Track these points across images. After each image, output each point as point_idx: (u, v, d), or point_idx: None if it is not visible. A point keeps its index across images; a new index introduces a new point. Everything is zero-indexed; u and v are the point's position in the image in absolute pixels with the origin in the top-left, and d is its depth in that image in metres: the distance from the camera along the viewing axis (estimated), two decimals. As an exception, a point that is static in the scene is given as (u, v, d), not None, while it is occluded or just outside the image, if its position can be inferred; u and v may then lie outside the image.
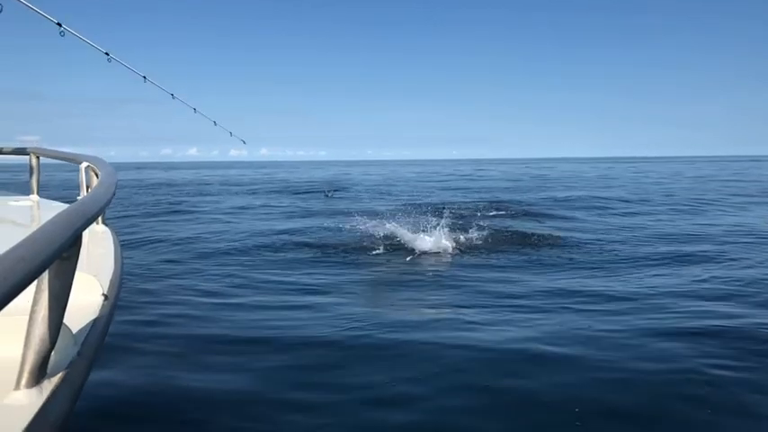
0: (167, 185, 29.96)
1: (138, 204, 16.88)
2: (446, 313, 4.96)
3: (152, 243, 9.12)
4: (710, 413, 3.04)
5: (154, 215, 14.20)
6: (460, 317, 4.80)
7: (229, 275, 6.51)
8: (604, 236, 9.54)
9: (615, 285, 5.88)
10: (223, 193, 23.23)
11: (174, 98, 5.81)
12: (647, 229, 10.59)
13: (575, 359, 3.77)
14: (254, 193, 23.01)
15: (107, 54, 4.22)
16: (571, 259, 7.42)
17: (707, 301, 5.22)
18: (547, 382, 3.41)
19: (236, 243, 9.11)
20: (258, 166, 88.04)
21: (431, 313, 4.96)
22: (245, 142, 8.87)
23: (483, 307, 5.12)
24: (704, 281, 6.05)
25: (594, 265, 7.00)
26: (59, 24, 3.49)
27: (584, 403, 3.13)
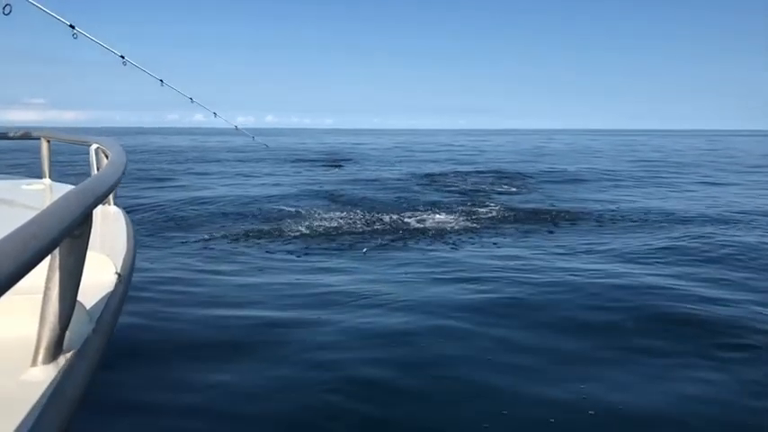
0: (170, 152, 30.09)
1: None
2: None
3: (138, 212, 9.33)
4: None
5: (142, 180, 14.44)
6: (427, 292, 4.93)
7: (205, 248, 6.76)
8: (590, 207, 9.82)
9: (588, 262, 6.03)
10: (227, 161, 23.38)
11: (192, 102, 5.92)
12: (637, 203, 10.90)
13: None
14: (259, 161, 23.13)
15: (122, 57, 4.31)
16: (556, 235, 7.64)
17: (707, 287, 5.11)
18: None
19: (224, 212, 9.51)
20: (265, 134, 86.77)
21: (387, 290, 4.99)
22: (255, 137, 9.13)
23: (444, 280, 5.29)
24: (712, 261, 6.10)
25: (578, 243, 7.12)
26: (72, 27, 3.58)
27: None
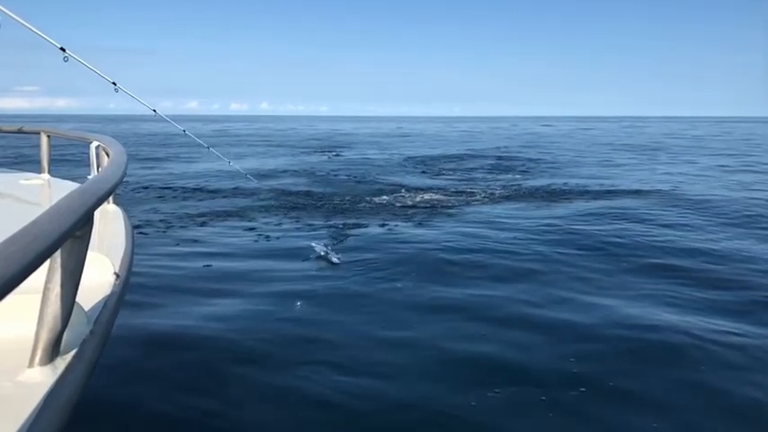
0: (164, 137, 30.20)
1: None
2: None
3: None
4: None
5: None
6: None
7: (169, 227, 7.09)
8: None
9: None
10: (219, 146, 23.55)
11: (185, 134, 6.25)
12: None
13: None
14: (252, 146, 23.34)
15: (114, 84, 4.20)
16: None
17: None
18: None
19: (205, 192, 10.04)
20: (256, 120, 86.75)
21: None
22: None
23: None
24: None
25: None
26: (63, 49, 3.43)
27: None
